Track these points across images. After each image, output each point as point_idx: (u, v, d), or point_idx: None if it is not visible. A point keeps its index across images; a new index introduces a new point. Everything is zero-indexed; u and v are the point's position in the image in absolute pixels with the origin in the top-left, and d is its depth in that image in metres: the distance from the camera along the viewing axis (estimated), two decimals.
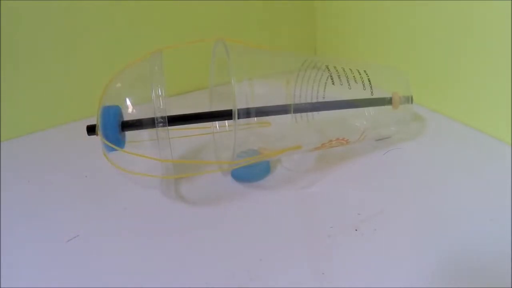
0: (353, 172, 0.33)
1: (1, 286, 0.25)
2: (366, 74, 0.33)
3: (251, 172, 0.33)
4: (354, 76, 0.33)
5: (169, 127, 0.28)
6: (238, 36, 0.33)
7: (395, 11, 0.44)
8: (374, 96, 0.33)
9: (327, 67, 0.32)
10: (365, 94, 0.33)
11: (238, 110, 0.28)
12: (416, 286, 0.22)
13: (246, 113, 0.30)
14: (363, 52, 0.51)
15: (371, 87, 0.33)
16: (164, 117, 0.28)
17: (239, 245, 0.27)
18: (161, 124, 0.28)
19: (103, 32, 0.46)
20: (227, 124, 0.37)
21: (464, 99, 0.39)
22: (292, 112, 0.32)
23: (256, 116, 0.31)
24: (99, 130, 0.30)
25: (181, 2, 0.48)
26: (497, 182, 0.30)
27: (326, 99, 0.32)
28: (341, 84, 0.32)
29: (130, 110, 0.30)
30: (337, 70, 0.32)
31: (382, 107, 0.34)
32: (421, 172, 0.33)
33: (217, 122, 0.37)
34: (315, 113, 0.33)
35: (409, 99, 0.34)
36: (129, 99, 0.31)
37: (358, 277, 0.23)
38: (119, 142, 0.30)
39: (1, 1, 0.40)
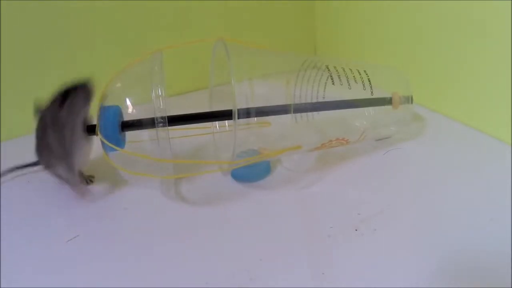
0: (353, 172, 0.33)
1: (1, 286, 0.25)
2: (366, 74, 0.33)
3: (251, 172, 0.33)
4: (354, 76, 0.33)
5: (169, 127, 0.28)
6: (238, 36, 0.33)
7: (395, 11, 0.44)
8: (374, 96, 0.33)
9: (327, 67, 0.32)
10: (365, 94, 0.33)
11: (238, 110, 0.28)
12: (416, 286, 0.22)
13: (246, 113, 0.30)
14: (363, 52, 0.51)
15: (371, 87, 0.33)
16: (164, 117, 0.28)
17: (239, 245, 0.27)
18: (161, 124, 0.28)
19: (103, 32, 0.46)
20: (227, 124, 0.37)
21: (464, 99, 0.39)
22: (292, 112, 0.32)
23: (256, 116, 0.31)
24: (99, 130, 0.30)
25: (181, 2, 0.48)
26: (497, 182, 0.30)
27: (326, 99, 0.32)
28: (341, 84, 0.32)
29: (130, 110, 0.30)
30: (337, 70, 0.32)
31: (382, 107, 0.34)
32: (421, 172, 0.33)
33: (217, 122, 0.37)
34: (315, 113, 0.33)
35: (409, 99, 0.34)
36: (129, 99, 0.31)
37: (358, 277, 0.23)
38: (119, 142, 0.30)
39: (1, 1, 0.40)
